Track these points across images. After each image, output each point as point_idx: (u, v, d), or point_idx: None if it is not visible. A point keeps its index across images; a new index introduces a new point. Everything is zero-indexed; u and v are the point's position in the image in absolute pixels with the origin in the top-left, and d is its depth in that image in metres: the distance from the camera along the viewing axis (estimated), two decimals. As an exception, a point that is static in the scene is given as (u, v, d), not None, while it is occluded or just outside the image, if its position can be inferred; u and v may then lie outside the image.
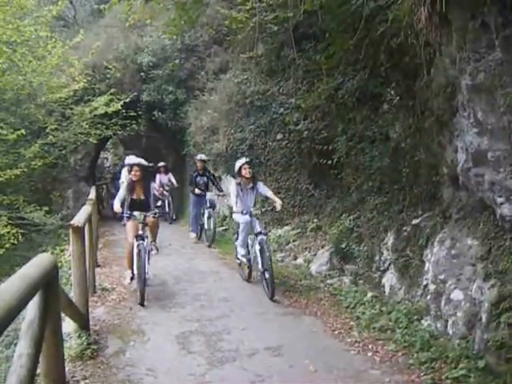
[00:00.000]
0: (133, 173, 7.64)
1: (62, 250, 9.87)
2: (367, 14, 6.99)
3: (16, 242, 10.93)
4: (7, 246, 10.77)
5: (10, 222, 11.07)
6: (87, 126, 14.06)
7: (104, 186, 21.84)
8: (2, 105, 12.63)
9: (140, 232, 7.26)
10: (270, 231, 10.59)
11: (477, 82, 4.21)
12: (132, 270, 7.32)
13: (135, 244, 7.09)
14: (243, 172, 7.81)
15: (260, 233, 7.50)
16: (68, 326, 5.04)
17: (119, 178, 12.79)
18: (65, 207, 14.66)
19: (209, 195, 11.73)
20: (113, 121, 14.81)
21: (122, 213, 7.38)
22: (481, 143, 4.54)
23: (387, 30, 6.71)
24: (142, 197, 7.67)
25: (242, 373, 4.70)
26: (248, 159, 8.05)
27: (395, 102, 7.41)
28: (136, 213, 7.33)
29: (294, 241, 9.68)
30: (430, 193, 6.47)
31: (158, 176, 14.51)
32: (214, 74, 14.32)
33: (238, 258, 8.29)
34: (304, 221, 10.03)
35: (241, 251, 8.09)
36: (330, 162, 9.02)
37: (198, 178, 11.79)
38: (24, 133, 11.78)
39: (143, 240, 7.19)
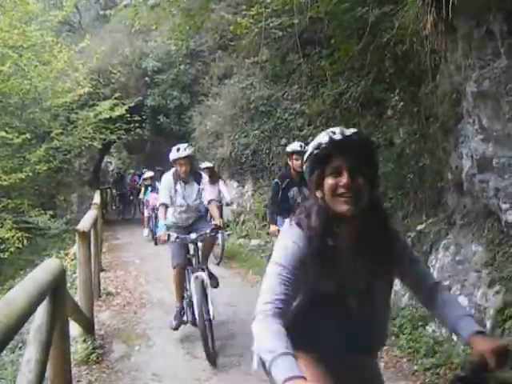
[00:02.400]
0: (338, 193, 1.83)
1: (66, 254, 9.89)
2: (372, 20, 7.01)
3: (21, 246, 10.96)
4: (12, 249, 10.81)
5: (14, 225, 11.12)
6: (92, 131, 14.14)
7: (108, 190, 21.94)
8: (8, 109, 12.72)
9: None
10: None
11: (482, 89, 4.22)
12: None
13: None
14: None
15: None
16: (73, 330, 5.06)
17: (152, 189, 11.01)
18: (69, 211, 14.74)
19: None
20: (117, 125, 14.89)
21: None
22: (486, 150, 4.54)
23: (392, 36, 6.73)
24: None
25: (247, 378, 4.70)
26: None
27: (399, 108, 7.42)
28: None
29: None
30: (434, 199, 6.46)
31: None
32: (219, 79, 14.37)
33: None
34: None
35: None
36: (334, 167, 9.01)
37: (292, 192, 5.99)
38: (29, 137, 11.87)
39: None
